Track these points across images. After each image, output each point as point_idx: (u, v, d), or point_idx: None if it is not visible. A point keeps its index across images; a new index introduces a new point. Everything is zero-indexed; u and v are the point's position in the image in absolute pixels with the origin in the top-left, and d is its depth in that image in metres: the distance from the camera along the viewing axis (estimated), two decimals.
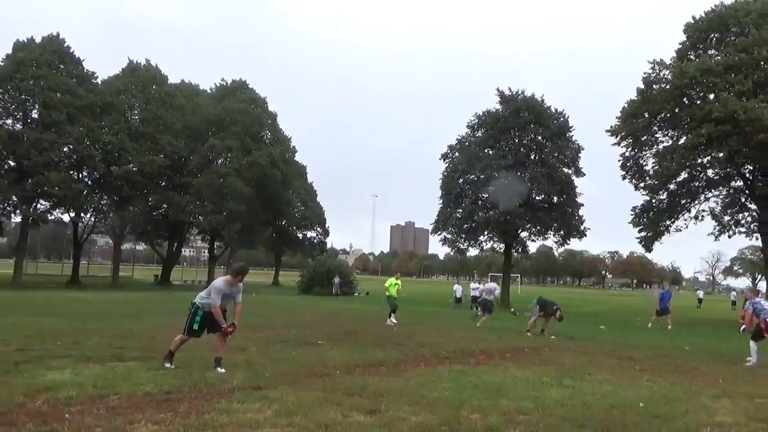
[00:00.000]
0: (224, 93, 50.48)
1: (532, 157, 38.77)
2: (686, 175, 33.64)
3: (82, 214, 45.90)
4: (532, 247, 51.64)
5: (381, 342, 13.78)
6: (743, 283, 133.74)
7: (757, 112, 27.78)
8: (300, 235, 70.04)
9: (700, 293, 59.77)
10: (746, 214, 34.85)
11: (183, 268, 71.10)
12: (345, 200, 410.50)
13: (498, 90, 39.32)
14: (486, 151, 38.76)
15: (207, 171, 45.83)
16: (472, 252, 46.43)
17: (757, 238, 35.32)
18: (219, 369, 8.81)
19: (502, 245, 40.12)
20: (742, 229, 35.03)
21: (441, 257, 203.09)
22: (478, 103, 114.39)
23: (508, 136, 38.99)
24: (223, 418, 6.13)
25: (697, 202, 35.07)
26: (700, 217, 35.15)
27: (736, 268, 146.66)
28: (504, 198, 36.05)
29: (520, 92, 39.09)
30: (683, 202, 34.68)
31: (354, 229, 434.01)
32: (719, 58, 31.42)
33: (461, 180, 39.17)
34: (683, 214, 34.97)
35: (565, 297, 60.49)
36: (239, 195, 44.79)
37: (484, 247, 41.55)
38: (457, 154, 39.51)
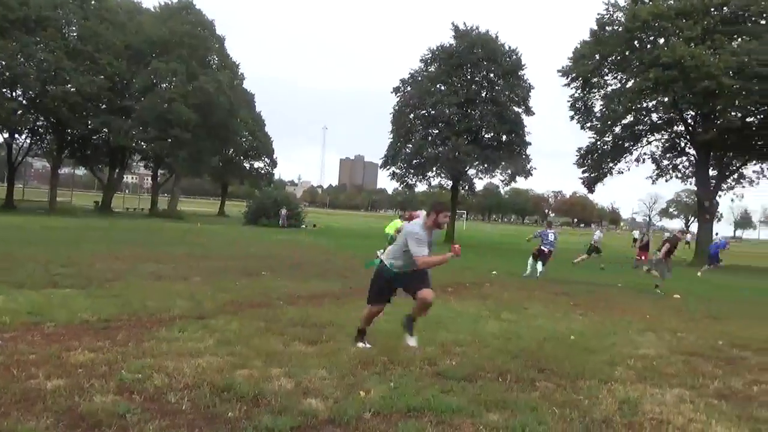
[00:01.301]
0: (169, 13, 48.01)
1: (484, 94, 38.74)
2: (631, 119, 34.33)
3: (17, 136, 43.77)
4: (479, 184, 52.51)
5: (324, 274, 13.90)
6: (678, 224, 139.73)
7: (704, 59, 28.35)
8: (247, 165, 68.96)
9: (636, 233, 62.06)
10: (684, 158, 36.10)
11: (125, 195, 69.33)
12: (295, 132, 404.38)
13: (453, 24, 38.81)
14: (438, 86, 38.47)
15: (150, 95, 44.06)
16: (421, 188, 46.80)
17: (691, 183, 36.77)
18: (409, 339, 6.75)
19: (450, 182, 40.49)
20: (679, 174, 36.35)
21: (390, 192, 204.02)
22: (433, 37, 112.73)
23: (461, 72, 38.70)
24: (162, 346, 6.09)
25: (639, 145, 36.03)
26: (641, 160, 36.19)
27: (671, 210, 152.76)
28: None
29: (474, 27, 38.66)
30: (627, 145, 35.58)
31: (303, 161, 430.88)
32: (672, 2, 31.65)
33: (412, 115, 38.98)
34: (626, 157, 35.94)
35: (510, 234, 62.10)
36: (184, 121, 43.40)
37: (432, 183, 41.87)
38: (409, 88, 39.12)
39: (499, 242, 44.50)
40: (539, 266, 16.81)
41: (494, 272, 17.29)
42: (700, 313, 11.54)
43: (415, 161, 38.96)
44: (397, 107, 39.47)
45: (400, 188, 48.46)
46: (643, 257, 25.34)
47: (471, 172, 40.12)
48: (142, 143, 46.33)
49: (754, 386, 6.17)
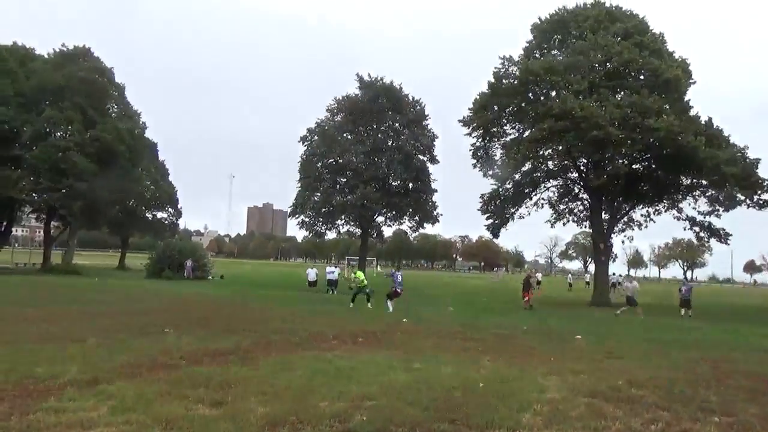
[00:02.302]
0: (64, 59, 46.20)
1: (390, 143, 39.57)
2: (530, 166, 35.99)
3: None
4: (388, 231, 53.07)
5: (232, 329, 13.43)
6: (576, 265, 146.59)
7: (592, 111, 30.27)
8: (149, 216, 66.40)
9: (539, 275, 64.53)
10: (578, 203, 38.05)
11: (14, 249, 64.83)
12: (201, 180, 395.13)
13: (357, 75, 39.67)
14: (345, 135, 38.98)
15: (43, 144, 41.91)
16: (330, 235, 46.68)
17: (587, 226, 38.79)
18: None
19: (359, 229, 40.69)
20: (575, 218, 38.30)
21: (299, 240, 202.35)
22: (340, 87, 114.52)
23: (367, 121, 39.46)
24: (50, 417, 5.65)
25: (538, 191, 37.70)
26: (540, 205, 37.84)
27: (570, 251, 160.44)
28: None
29: (379, 79, 39.67)
30: (526, 190, 37.13)
31: (210, 210, 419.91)
32: (561, 58, 33.81)
33: (320, 164, 39.14)
34: (526, 202, 37.46)
35: (420, 279, 62.71)
36: (81, 171, 41.47)
37: (341, 231, 41.93)
38: (316, 137, 39.36)
39: (410, 287, 44.88)
40: (389, 304, 21.39)
41: (405, 320, 17.33)
42: (600, 354, 12.00)
43: (323, 209, 38.96)
44: (304, 156, 39.57)
45: (309, 236, 48.11)
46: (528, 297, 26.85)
47: (379, 219, 40.58)
48: (34, 194, 43.72)
49: (651, 425, 6.44)
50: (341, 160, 38.14)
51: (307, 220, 39.36)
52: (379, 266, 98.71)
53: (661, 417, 6.79)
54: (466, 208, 51.66)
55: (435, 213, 39.89)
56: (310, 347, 11.13)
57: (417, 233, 51.19)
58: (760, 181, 31.95)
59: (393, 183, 39.44)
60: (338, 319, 17.01)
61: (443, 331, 15.01)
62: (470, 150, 37.21)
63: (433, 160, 39.75)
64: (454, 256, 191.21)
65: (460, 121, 36.31)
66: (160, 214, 67.26)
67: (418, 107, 40.15)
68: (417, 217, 39.94)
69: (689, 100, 34.47)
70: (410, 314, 19.21)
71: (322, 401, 6.77)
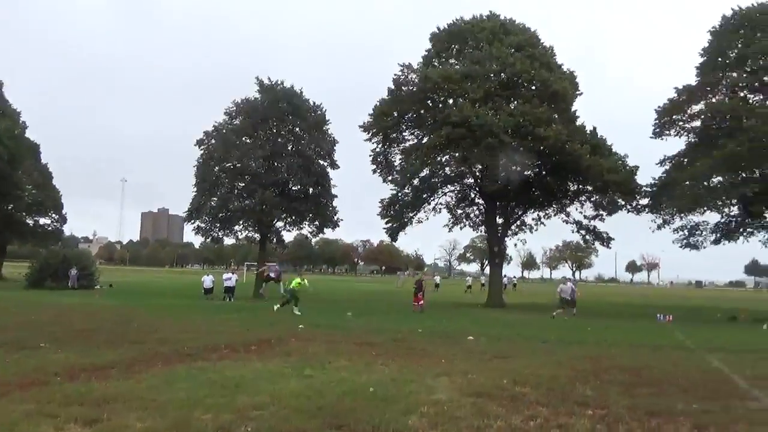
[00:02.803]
0: None
1: (290, 148, 39.08)
2: (428, 172, 36.75)
3: None
4: (289, 236, 52.47)
5: (116, 341, 12.76)
6: (474, 268, 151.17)
7: (487, 119, 31.38)
8: (30, 222, 62.08)
9: (437, 278, 66.08)
10: (474, 208, 39.28)
11: None
12: (91, 185, 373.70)
13: (257, 79, 38.93)
14: (243, 139, 38.14)
15: None
16: (229, 241, 45.46)
17: (482, 230, 40.10)
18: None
19: (258, 235, 39.95)
20: (471, 222, 39.51)
21: (197, 246, 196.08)
22: (239, 89, 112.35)
23: (267, 125, 38.80)
24: None
25: (436, 196, 38.56)
26: (438, 210, 38.71)
27: (468, 255, 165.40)
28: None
29: (279, 82, 39.13)
30: (424, 196, 37.87)
31: (101, 216, 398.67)
32: (458, 67, 34.79)
33: (217, 168, 38.08)
34: (424, 207, 38.21)
35: (320, 284, 62.37)
36: None
37: (240, 237, 40.95)
38: (213, 141, 38.24)
39: (314, 293, 44.60)
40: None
41: (301, 326, 17.16)
42: (490, 354, 12.40)
43: (220, 214, 37.89)
44: (201, 159, 38.31)
45: (206, 242, 46.70)
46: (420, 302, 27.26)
47: (279, 224, 39.98)
48: None
49: (531, 421, 6.70)
50: (239, 165, 37.25)
51: (203, 225, 38.12)
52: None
53: (540, 413, 7.08)
54: (368, 212, 52.04)
55: (335, 218, 39.77)
56: (200, 358, 10.76)
57: (318, 238, 50.95)
58: (638, 188, 34.30)
59: (293, 188, 38.98)
60: (232, 327, 16.59)
61: (339, 336, 14.99)
62: (370, 156, 37.55)
63: (334, 165, 39.66)
64: (356, 260, 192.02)
65: (360, 126, 36.54)
66: (42, 220, 63.07)
67: (318, 112, 39.92)
68: (317, 222, 39.68)
69: (576, 110, 36.45)
70: (308, 321, 19.05)
71: (205, 414, 6.55)
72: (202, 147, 38.43)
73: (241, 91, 76.20)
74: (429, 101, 35.41)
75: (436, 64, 36.20)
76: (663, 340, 17.25)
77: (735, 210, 32.58)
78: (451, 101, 34.44)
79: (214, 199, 37.83)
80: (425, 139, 35.42)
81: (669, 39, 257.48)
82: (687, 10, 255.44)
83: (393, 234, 38.15)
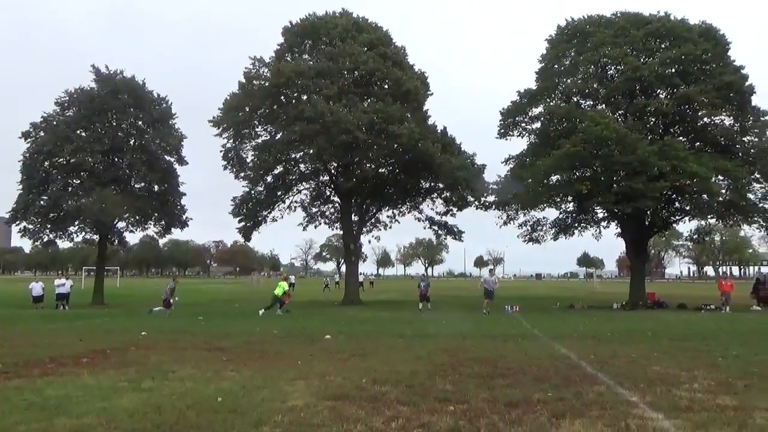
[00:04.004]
0: None
1: (132, 142, 36.39)
2: (282, 169, 35.84)
3: None
4: (135, 237, 49.01)
5: None
6: (331, 266, 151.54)
7: (341, 116, 31.13)
8: None
9: (292, 278, 65.14)
10: (330, 206, 38.98)
11: None
12: None
13: (93, 67, 35.84)
14: (78, 132, 34.84)
15: None
16: (65, 244, 41.39)
17: (338, 228, 39.94)
18: None
19: (97, 236, 36.79)
20: (327, 220, 39.19)
21: (27, 251, 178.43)
22: (70, 79, 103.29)
23: (105, 118, 35.77)
24: None
25: (291, 194, 37.73)
26: (293, 208, 37.93)
27: (324, 253, 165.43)
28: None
29: (119, 72, 36.29)
30: (279, 193, 36.93)
31: None
32: (312, 63, 34.25)
33: (47, 163, 34.51)
34: (279, 205, 37.26)
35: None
36: None
37: (76, 239, 37.43)
38: (42, 133, 34.58)
39: (157, 297, 42.00)
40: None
41: (144, 333, 15.74)
42: (348, 352, 11.99)
43: (52, 215, 34.35)
44: (28, 154, 34.49)
45: (37, 246, 42.27)
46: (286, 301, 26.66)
47: (121, 224, 37.12)
48: None
49: (392, 422, 6.32)
50: (74, 160, 33.96)
51: (30, 227, 34.32)
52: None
53: (401, 412, 6.74)
54: (222, 211, 49.74)
55: (184, 217, 37.63)
56: (16, 375, 9.30)
57: (166, 239, 48.03)
58: (485, 185, 35.85)
59: (136, 185, 36.34)
60: (61, 338, 14.81)
61: (187, 342, 13.86)
62: (221, 151, 35.96)
63: (181, 161, 37.47)
64: (208, 262, 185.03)
65: (210, 121, 34.82)
66: None
67: (163, 105, 37.53)
68: (163, 222, 37.32)
69: (427, 109, 37.40)
70: (153, 326, 17.58)
71: None
72: (29, 140, 34.66)
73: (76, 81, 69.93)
74: (282, 96, 34.52)
75: (288, 59, 35.39)
76: (513, 329, 17.90)
77: (571, 206, 35.06)
78: (304, 97, 33.81)
79: (44, 197, 34.22)
80: (279, 135, 34.54)
81: (512, 45, 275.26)
82: (532, 18, 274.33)
83: (246, 233, 36.84)
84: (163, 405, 7.08)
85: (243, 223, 36.37)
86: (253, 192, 36.46)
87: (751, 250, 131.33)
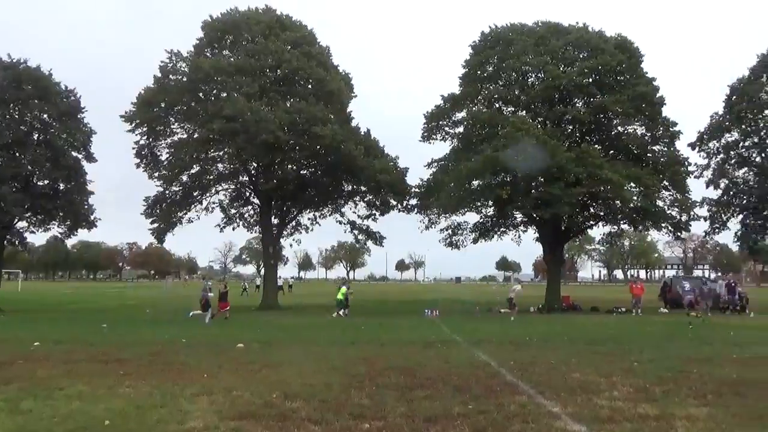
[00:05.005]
0: None
1: (36, 137, 33.98)
2: (199, 168, 34.39)
3: None
4: (41, 238, 45.95)
5: None
6: (251, 269, 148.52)
7: (262, 115, 30.20)
8: None
9: (209, 282, 62.97)
10: (249, 207, 37.79)
11: None
12: None
13: None
14: None
15: None
16: None
17: (257, 230, 38.77)
18: None
19: None
20: (246, 222, 37.99)
21: None
22: None
23: (6, 110, 33.19)
24: None
25: (208, 194, 36.31)
26: (210, 209, 36.52)
27: (244, 256, 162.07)
28: None
29: (23, 61, 33.81)
30: (195, 194, 35.45)
31: None
32: (232, 59, 33.10)
33: None
34: (195, 206, 35.79)
35: (79, 292, 55.98)
36: None
37: None
38: None
39: (64, 303, 39.54)
40: None
41: (37, 343, 14.39)
42: (260, 363, 11.27)
43: None
44: None
45: None
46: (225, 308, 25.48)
47: (21, 224, 34.57)
48: None
49: None
50: None
51: None
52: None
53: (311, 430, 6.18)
54: (134, 212, 47.36)
55: (91, 217, 35.38)
56: None
57: (75, 240, 45.34)
58: (408, 188, 35.73)
59: (38, 182, 33.95)
60: None
61: (83, 353, 12.71)
62: (134, 149, 34.18)
63: (90, 157, 35.22)
64: (121, 264, 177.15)
65: (121, 116, 33.08)
66: None
67: (72, 97, 35.25)
68: (69, 222, 35.02)
69: (351, 111, 36.95)
70: (48, 336, 16.18)
71: None
72: None
73: None
74: (200, 93, 33.22)
75: (208, 54, 34.11)
76: (432, 335, 17.64)
77: (491, 211, 35.44)
78: (224, 94, 32.65)
79: None
80: (196, 134, 33.18)
81: (439, 49, 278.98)
82: (454, 23, 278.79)
83: (159, 235, 35.15)
84: (40, 430, 6.22)
85: (156, 224, 34.68)
86: (167, 192, 34.82)
87: (657, 255, 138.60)
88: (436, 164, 36.07)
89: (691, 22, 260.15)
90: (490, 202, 33.69)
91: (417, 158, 37.88)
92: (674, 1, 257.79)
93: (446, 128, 35.91)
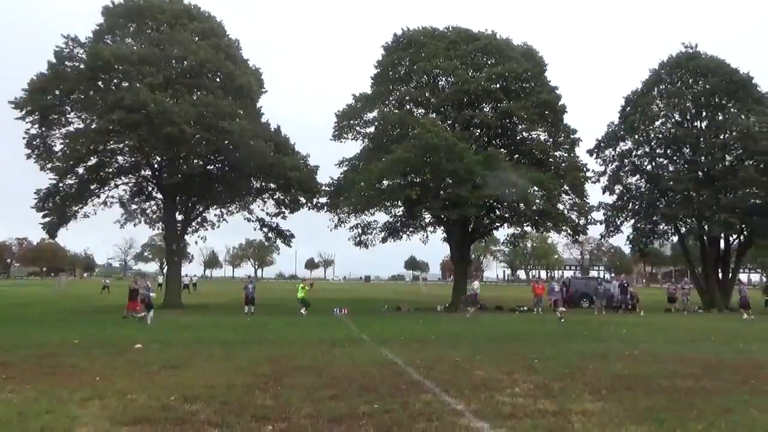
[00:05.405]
0: None
1: None
2: (97, 160, 32.57)
3: None
4: None
5: None
6: (153, 267, 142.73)
7: (166, 106, 29.01)
8: None
9: (107, 280, 60.22)
10: (152, 203, 36.23)
11: None
12: None
13: None
14: None
15: None
16: None
17: (160, 227, 37.26)
18: None
19: None
20: (148, 218, 36.41)
21: None
22: None
23: None
24: None
25: (107, 188, 34.50)
26: (109, 204, 34.75)
27: (146, 253, 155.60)
28: None
29: None
30: (93, 187, 33.57)
31: None
32: (135, 48, 31.61)
33: None
34: (92, 200, 33.90)
35: None
36: None
37: None
38: None
39: None
40: None
41: None
42: (158, 364, 10.77)
43: None
44: None
45: None
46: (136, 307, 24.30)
47: None
48: None
49: None
50: None
51: None
52: None
53: None
54: (25, 205, 44.22)
55: None
56: None
57: None
58: (318, 187, 35.43)
59: None
60: None
61: None
62: (24, 138, 31.91)
63: None
64: (9, 261, 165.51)
65: (11, 102, 30.80)
66: None
67: None
68: None
69: (261, 107, 36.20)
70: None
71: None
72: None
73: None
74: (100, 81, 31.47)
75: (109, 41, 32.38)
76: (340, 333, 17.56)
77: (400, 211, 35.80)
78: (126, 84, 31.09)
79: None
80: (94, 124, 31.36)
81: (354, 50, 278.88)
82: (368, 24, 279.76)
83: (51, 230, 32.98)
84: None
85: (48, 219, 32.57)
86: (61, 185, 32.73)
87: (557, 256, 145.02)
88: (347, 163, 36.02)
89: (592, 35, 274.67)
90: (400, 203, 34.00)
91: (328, 157, 37.74)
92: (577, 13, 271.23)
93: (357, 128, 35.94)
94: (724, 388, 8.87)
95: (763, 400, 7.92)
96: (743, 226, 36.25)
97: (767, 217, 34.82)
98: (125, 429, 6.20)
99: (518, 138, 35.13)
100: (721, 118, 36.73)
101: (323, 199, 35.76)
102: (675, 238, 42.75)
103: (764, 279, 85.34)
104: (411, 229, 37.46)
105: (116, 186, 34.84)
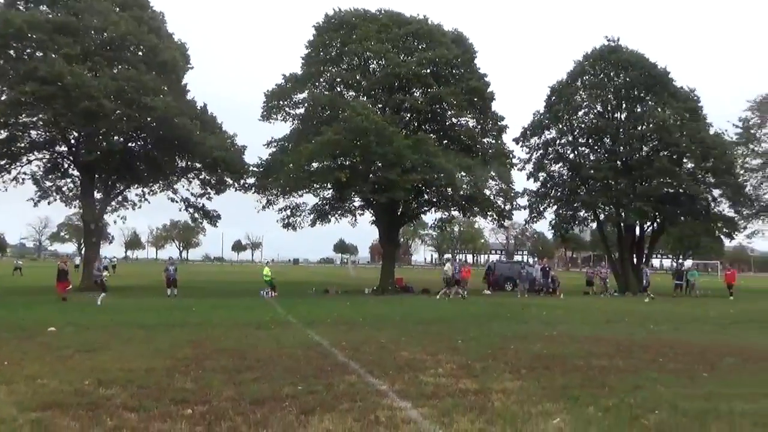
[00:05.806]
0: None
1: None
2: (7, 134, 30.71)
3: None
4: None
5: None
6: (71, 248, 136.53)
7: (84, 79, 27.67)
8: None
9: (19, 261, 57.31)
10: (68, 180, 34.57)
11: None
12: None
13: None
14: None
15: None
16: None
17: (77, 206, 35.62)
18: None
19: None
20: (64, 196, 34.70)
21: None
22: None
23: None
24: None
25: (18, 164, 32.64)
26: (21, 181, 32.92)
27: (63, 233, 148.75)
28: None
29: None
30: (2, 162, 31.68)
31: None
32: (50, 16, 29.92)
33: None
34: (2, 176, 32.00)
35: None
36: None
37: None
38: None
39: None
40: None
41: None
42: (73, 348, 10.32)
43: None
44: None
45: None
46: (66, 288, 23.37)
47: None
48: None
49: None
50: None
51: None
52: None
53: (127, 421, 5.71)
54: None
55: None
56: None
57: None
58: (245, 167, 34.71)
59: None
60: None
61: None
62: None
63: None
64: None
65: None
66: None
67: None
68: None
69: (186, 84, 35.07)
70: None
71: None
72: None
73: None
74: (11, 50, 29.62)
75: (21, 7, 30.46)
76: (266, 316, 17.36)
77: (330, 193, 35.58)
78: (40, 54, 29.40)
79: None
80: (4, 96, 29.52)
81: (285, 29, 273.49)
82: (300, 3, 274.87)
83: None
84: None
85: None
86: None
87: (483, 241, 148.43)
88: (275, 144, 35.43)
89: (521, 24, 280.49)
90: (329, 185, 33.77)
91: (257, 137, 37.02)
92: (507, 2, 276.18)
93: (287, 108, 35.33)
94: (635, 366, 9.30)
95: (669, 378, 8.35)
96: (656, 213, 38.14)
97: (678, 206, 36.83)
98: (33, 414, 5.88)
99: (447, 123, 35.51)
100: (639, 110, 38.32)
101: (251, 180, 35.06)
102: (594, 225, 44.55)
103: (674, 264, 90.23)
104: (340, 212, 37.26)
105: (29, 162, 33.15)
